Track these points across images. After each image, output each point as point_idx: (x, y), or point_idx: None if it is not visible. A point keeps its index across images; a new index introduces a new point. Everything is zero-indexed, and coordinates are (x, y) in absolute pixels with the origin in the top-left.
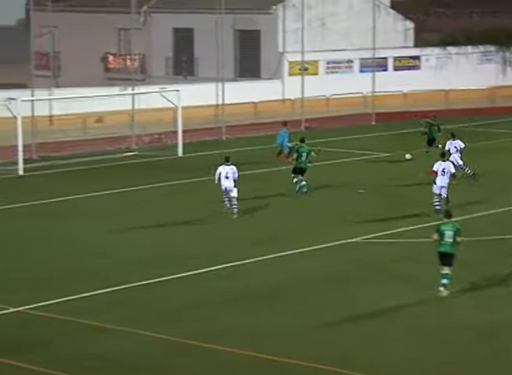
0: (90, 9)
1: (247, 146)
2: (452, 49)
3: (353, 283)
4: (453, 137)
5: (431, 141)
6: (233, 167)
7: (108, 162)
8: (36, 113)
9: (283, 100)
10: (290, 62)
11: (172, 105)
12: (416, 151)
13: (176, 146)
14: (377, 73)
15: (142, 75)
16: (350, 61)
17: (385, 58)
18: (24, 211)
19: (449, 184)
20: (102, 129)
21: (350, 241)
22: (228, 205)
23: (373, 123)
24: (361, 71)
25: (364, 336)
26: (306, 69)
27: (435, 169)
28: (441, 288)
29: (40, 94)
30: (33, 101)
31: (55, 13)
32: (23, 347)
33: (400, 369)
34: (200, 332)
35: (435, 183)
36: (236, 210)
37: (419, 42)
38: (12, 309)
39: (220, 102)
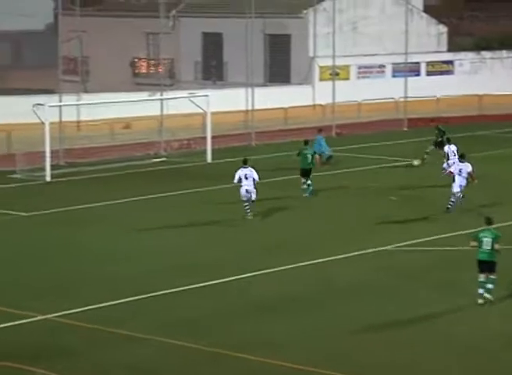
0: (118, 14)
1: (276, 152)
2: (486, 54)
3: (385, 292)
4: (449, 142)
5: (439, 144)
6: (251, 169)
7: (136, 169)
8: (63, 119)
9: (314, 106)
10: (321, 67)
11: (200, 111)
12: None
13: (204, 152)
14: (409, 78)
15: (170, 80)
16: (382, 66)
17: (418, 62)
18: (51, 217)
19: (466, 184)
20: (130, 135)
21: (381, 248)
22: (247, 208)
23: (405, 129)
24: (393, 76)
25: (395, 344)
26: (337, 74)
27: (452, 169)
28: (486, 295)
29: (68, 99)
30: (60, 106)
31: (83, 17)
32: (50, 354)
33: None
34: (227, 341)
35: (454, 182)
36: (249, 211)
37: (452, 46)
38: (39, 317)
39: (249, 108)
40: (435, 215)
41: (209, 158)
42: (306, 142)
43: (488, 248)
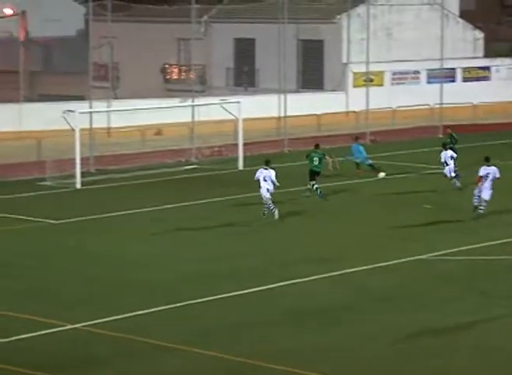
0: (149, 19)
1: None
2: None
3: (420, 300)
4: (445, 148)
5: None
6: (271, 171)
7: (167, 176)
8: (94, 125)
9: (347, 112)
10: (355, 73)
11: (232, 117)
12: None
13: (236, 159)
14: (445, 85)
15: (202, 86)
16: (417, 72)
17: (454, 68)
18: (81, 225)
19: (491, 188)
20: (161, 141)
21: (416, 257)
22: (265, 210)
23: (440, 136)
24: (428, 82)
25: (433, 353)
26: (371, 81)
27: (480, 174)
28: None
29: (99, 105)
30: (91, 113)
31: (114, 23)
32: (77, 364)
33: None
34: (261, 351)
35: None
36: (266, 212)
37: (489, 52)
38: (68, 326)
39: (282, 114)
40: (469, 224)
41: (241, 166)
42: (317, 146)
43: None
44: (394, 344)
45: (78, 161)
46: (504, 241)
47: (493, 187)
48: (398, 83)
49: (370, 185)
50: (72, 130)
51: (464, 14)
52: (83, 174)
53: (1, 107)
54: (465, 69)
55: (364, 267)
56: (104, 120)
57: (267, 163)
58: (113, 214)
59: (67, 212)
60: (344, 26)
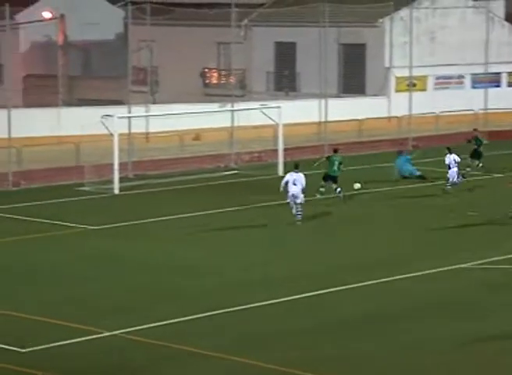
0: (189, 23)
1: (350, 165)
2: None
3: (466, 309)
4: (450, 151)
5: (477, 155)
6: (301, 175)
7: (206, 182)
8: (132, 130)
9: (389, 118)
10: (397, 78)
11: (272, 122)
12: None
13: (276, 165)
14: (490, 89)
15: (242, 91)
16: (461, 76)
17: (499, 73)
18: (119, 231)
19: None
20: (200, 146)
21: (461, 265)
22: (294, 212)
23: (485, 142)
24: (473, 87)
25: (480, 363)
26: (414, 85)
27: None
28: None
29: (137, 110)
30: (129, 117)
31: (153, 27)
32: (113, 372)
33: None
34: (301, 359)
35: None
36: (300, 217)
37: None
38: (106, 333)
39: (323, 119)
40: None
41: (281, 171)
42: (335, 150)
43: None
44: (440, 353)
45: (116, 166)
46: None
47: None
48: (441, 88)
49: (412, 191)
50: (111, 134)
51: (510, 17)
52: (121, 179)
53: (39, 111)
54: (510, 74)
55: (407, 275)
56: (143, 125)
57: (296, 167)
58: (151, 220)
59: (105, 217)
60: (387, 30)
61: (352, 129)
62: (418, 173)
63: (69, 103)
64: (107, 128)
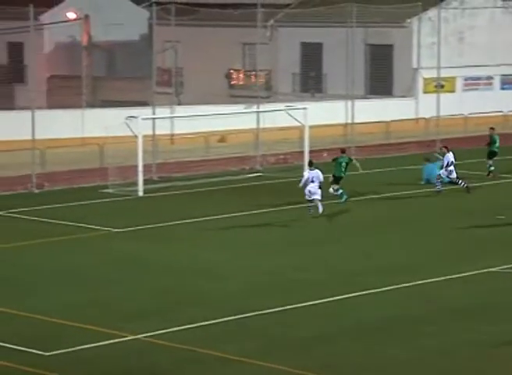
0: (214, 23)
1: (377, 168)
2: None
3: (497, 314)
4: (448, 150)
5: (491, 155)
6: (318, 171)
7: (231, 184)
8: (157, 132)
9: (417, 119)
10: (425, 79)
11: (298, 124)
12: None
13: (301, 167)
14: None
15: (267, 92)
16: (490, 77)
17: None
18: (143, 233)
19: None
20: (225, 148)
21: (490, 269)
22: (312, 210)
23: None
24: (502, 88)
25: (507, 368)
26: (442, 87)
27: None
28: None
29: (162, 111)
30: (154, 119)
31: (178, 27)
32: None
33: None
34: (325, 364)
35: None
36: (321, 210)
37: None
38: (130, 337)
39: (349, 121)
40: None
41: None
42: (343, 151)
43: None
44: (465, 358)
45: (140, 168)
46: None
47: None
48: (470, 89)
49: (442, 195)
50: (135, 136)
51: None
52: (145, 182)
53: (63, 113)
54: None
55: (435, 279)
56: (168, 127)
57: (310, 164)
58: (175, 222)
59: (129, 220)
60: (415, 30)
61: (379, 131)
62: (449, 180)
63: (92, 104)
64: (131, 129)
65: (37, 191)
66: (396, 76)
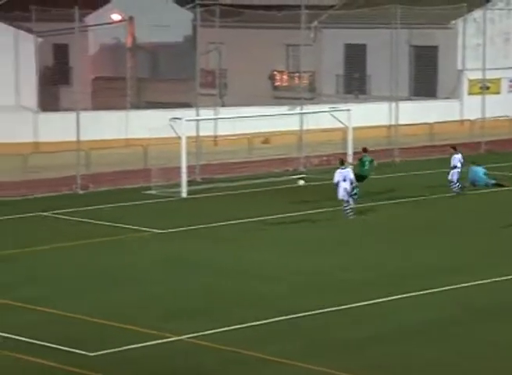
0: (257, 25)
1: (421, 170)
2: None
3: None
4: (455, 150)
5: None
6: (348, 170)
7: (275, 185)
8: (200, 133)
9: (462, 121)
10: (470, 81)
11: (341, 126)
12: None
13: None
14: None
15: (311, 93)
16: None
17: None
18: (186, 235)
19: None
20: (269, 150)
21: None
22: (347, 209)
23: None
24: None
25: None
26: (487, 88)
27: None
28: None
29: (205, 113)
30: (197, 120)
31: (222, 29)
32: None
33: None
34: (365, 367)
35: None
36: (351, 212)
37: None
38: (173, 338)
39: (393, 123)
40: None
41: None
42: (365, 150)
43: None
44: (503, 362)
45: (184, 169)
46: None
47: None
48: None
49: (482, 198)
50: (179, 137)
51: None
52: (189, 183)
53: (108, 114)
54: None
55: (472, 283)
56: (211, 128)
57: (342, 163)
58: (219, 223)
59: (172, 221)
60: (459, 32)
61: (423, 132)
62: (494, 182)
63: (137, 106)
64: (175, 131)
65: (81, 192)
66: (441, 78)
